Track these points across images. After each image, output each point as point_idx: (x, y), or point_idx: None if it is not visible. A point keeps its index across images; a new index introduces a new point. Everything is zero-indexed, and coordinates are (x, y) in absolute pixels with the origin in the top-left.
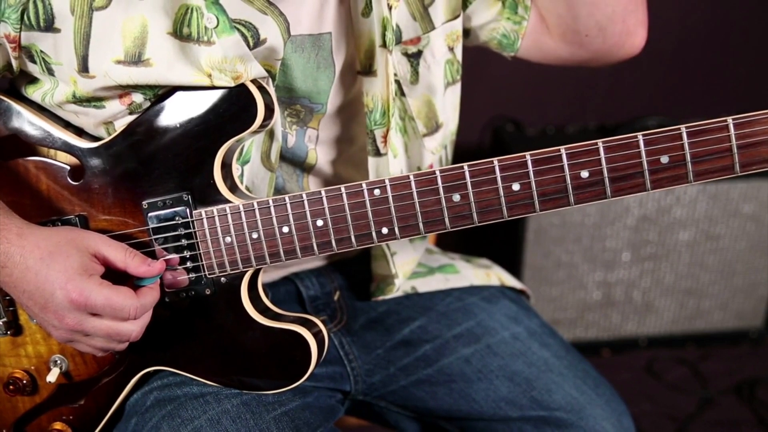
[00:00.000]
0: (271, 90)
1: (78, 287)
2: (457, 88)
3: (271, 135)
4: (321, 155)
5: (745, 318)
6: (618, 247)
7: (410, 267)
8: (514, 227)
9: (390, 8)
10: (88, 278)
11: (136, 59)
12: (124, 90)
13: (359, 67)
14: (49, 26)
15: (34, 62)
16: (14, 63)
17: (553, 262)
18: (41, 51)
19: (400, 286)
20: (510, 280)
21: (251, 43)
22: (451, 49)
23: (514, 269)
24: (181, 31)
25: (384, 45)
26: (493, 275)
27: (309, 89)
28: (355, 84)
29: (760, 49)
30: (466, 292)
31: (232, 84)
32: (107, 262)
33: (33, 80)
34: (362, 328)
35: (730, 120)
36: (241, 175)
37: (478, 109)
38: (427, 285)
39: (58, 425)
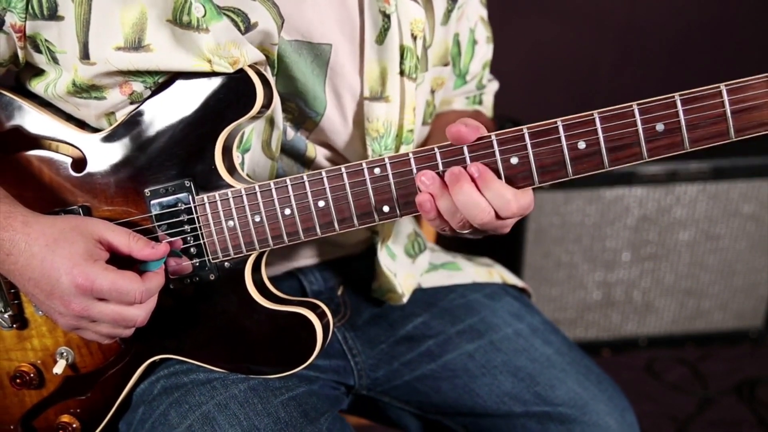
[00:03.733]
0: (270, 77)
1: (83, 272)
2: (426, 131)
3: (271, 123)
4: (319, 152)
5: (745, 318)
6: (618, 247)
7: (413, 281)
8: (514, 227)
9: (414, 38)
10: (93, 263)
11: (136, 45)
12: (124, 77)
13: (367, 93)
14: (53, 14)
15: (40, 52)
16: (20, 53)
17: (553, 262)
18: (46, 40)
19: (408, 296)
20: (512, 278)
21: (242, 28)
22: (433, 92)
23: (515, 269)
24: (180, 19)
25: (402, 73)
26: (495, 273)
27: (304, 90)
28: (358, 108)
29: (760, 48)
30: (469, 289)
31: (231, 70)
32: (112, 248)
33: (38, 73)
34: (366, 323)
35: (722, 86)
36: (242, 163)
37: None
38: (430, 281)
39: (65, 418)
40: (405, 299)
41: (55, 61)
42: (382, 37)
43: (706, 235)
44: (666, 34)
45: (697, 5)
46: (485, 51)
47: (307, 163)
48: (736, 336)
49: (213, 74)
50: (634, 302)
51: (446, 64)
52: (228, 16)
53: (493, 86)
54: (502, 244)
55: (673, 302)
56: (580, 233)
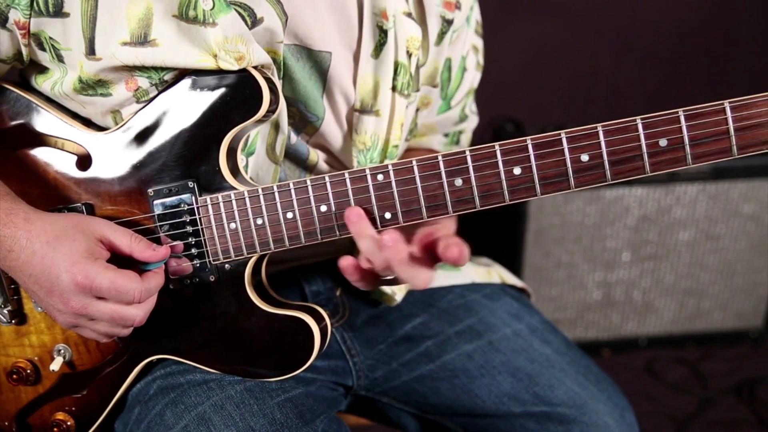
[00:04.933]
0: (277, 81)
1: (84, 270)
2: (404, 146)
3: (276, 127)
4: (321, 157)
5: (745, 318)
6: (618, 247)
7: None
8: (514, 227)
9: (410, 55)
10: (93, 261)
11: (142, 40)
12: (130, 72)
13: (358, 105)
14: (59, 11)
15: (44, 50)
16: (24, 51)
17: (553, 262)
18: (50, 37)
19: (400, 296)
20: (511, 278)
21: (249, 22)
22: (417, 110)
23: (515, 269)
24: (187, 14)
25: (394, 88)
26: (494, 273)
27: (305, 94)
28: (351, 118)
29: (761, 48)
30: (468, 289)
31: (236, 66)
32: (113, 247)
33: (43, 70)
34: (364, 323)
35: (726, 103)
36: (246, 166)
37: (478, 109)
38: None
39: (60, 415)
40: (398, 299)
41: (60, 59)
42: (377, 52)
43: (706, 235)
44: (665, 34)
45: (696, 5)
46: (473, 77)
47: (310, 168)
48: (736, 336)
49: (220, 76)
50: (634, 302)
51: (435, 86)
52: (235, 9)
53: (473, 122)
54: (502, 244)
55: (673, 302)
56: (580, 233)
